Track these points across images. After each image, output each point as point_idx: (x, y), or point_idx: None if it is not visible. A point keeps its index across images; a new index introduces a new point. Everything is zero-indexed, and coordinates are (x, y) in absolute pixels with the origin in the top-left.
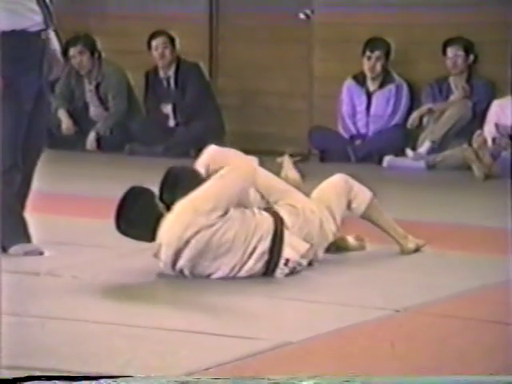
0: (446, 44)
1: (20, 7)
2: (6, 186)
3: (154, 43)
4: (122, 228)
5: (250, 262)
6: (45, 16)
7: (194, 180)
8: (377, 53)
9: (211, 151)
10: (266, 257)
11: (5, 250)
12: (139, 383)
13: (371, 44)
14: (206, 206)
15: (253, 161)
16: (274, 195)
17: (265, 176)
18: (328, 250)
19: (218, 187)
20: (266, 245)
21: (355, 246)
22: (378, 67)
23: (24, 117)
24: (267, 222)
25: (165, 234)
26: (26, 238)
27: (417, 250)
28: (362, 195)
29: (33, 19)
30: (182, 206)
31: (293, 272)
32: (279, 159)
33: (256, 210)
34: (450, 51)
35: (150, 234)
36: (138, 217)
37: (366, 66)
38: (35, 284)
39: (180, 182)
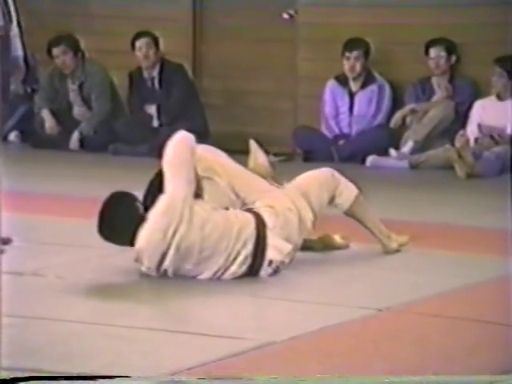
0: (429, 45)
1: None
2: None
3: (137, 44)
4: (106, 234)
5: (234, 267)
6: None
7: None
8: (355, 53)
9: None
10: (249, 260)
11: None
12: (136, 382)
13: (349, 44)
14: (176, 190)
15: (223, 156)
16: (251, 195)
17: (241, 175)
18: (314, 248)
19: (172, 170)
20: (249, 249)
21: (341, 244)
22: (358, 67)
23: None
24: (250, 225)
25: (145, 241)
26: None
27: (399, 249)
28: (348, 191)
29: None
30: (156, 211)
31: (276, 271)
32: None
33: (239, 213)
34: (433, 52)
35: (132, 239)
36: (120, 223)
37: (346, 66)
38: (19, 284)
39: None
